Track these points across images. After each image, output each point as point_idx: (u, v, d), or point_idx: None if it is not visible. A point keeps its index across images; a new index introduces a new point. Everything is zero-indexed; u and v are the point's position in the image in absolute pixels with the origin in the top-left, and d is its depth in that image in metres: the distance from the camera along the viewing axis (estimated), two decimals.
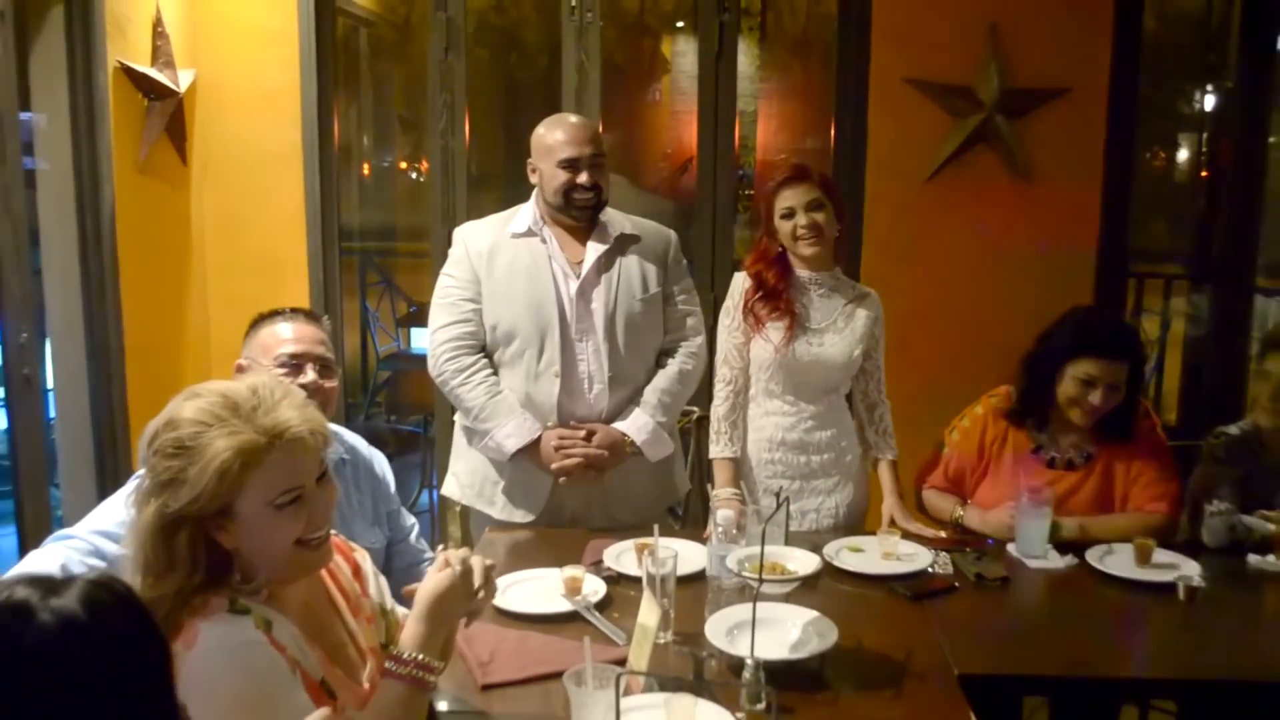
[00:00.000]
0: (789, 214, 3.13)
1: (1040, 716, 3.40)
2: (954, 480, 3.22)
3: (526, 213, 3.18)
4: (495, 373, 3.15)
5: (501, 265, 3.14)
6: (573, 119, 3.21)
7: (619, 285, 3.13)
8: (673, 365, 3.20)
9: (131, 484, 2.40)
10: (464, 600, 1.83)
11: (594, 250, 3.13)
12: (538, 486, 3.14)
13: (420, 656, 1.79)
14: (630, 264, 3.17)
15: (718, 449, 3.23)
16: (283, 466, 1.70)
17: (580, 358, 3.12)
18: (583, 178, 3.07)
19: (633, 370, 3.16)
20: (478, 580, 1.84)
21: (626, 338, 3.13)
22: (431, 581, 1.83)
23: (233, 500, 1.67)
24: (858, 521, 3.24)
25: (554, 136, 3.11)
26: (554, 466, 3.06)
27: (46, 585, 1.22)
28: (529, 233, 3.15)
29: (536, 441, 3.08)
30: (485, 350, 3.17)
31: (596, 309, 3.11)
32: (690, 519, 3.39)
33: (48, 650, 1.18)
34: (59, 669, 1.18)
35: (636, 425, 3.12)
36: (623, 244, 3.17)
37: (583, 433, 3.09)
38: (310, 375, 2.64)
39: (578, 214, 3.12)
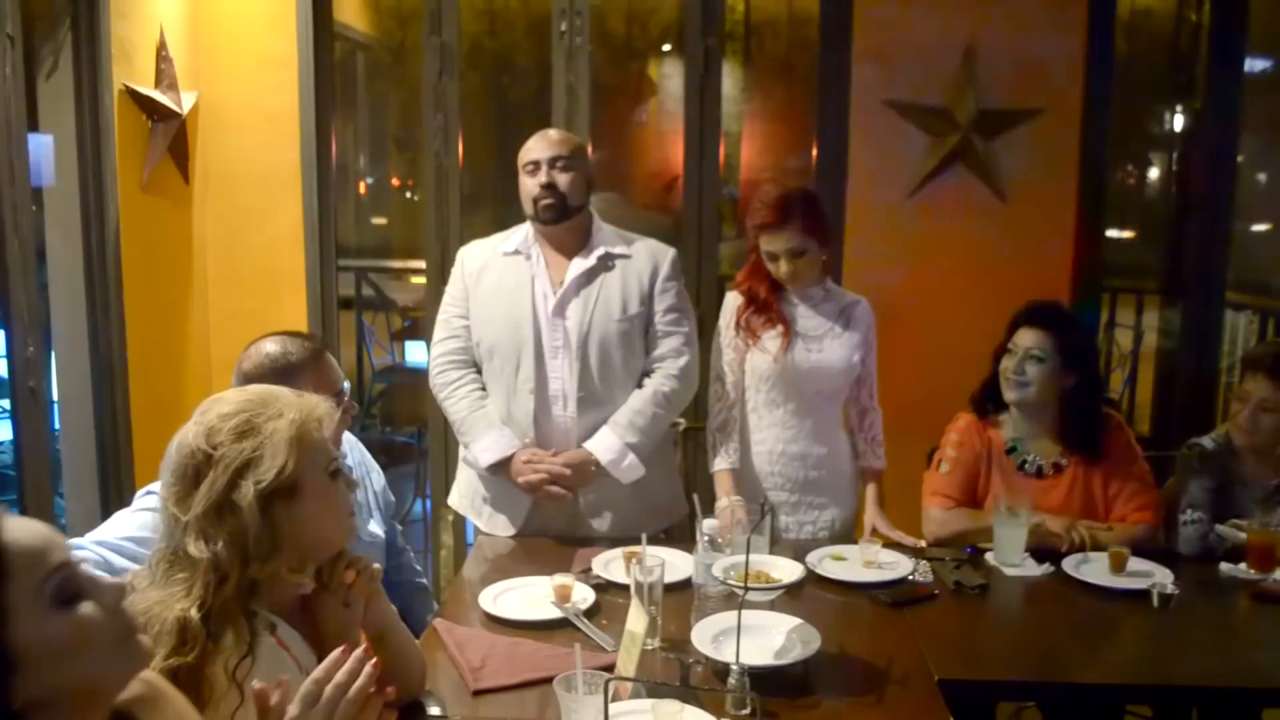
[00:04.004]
0: (772, 257, 3.12)
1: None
2: (965, 493, 3.14)
3: (519, 232, 3.18)
4: (483, 388, 3.14)
5: (488, 284, 3.14)
6: (551, 131, 3.18)
7: (596, 305, 3.08)
8: (648, 386, 3.12)
9: (137, 501, 2.39)
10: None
11: (575, 269, 3.09)
12: (518, 501, 3.12)
13: None
14: (613, 283, 3.11)
15: (715, 462, 3.21)
16: (324, 440, 1.77)
17: (554, 376, 3.08)
18: (540, 176, 3.03)
19: (605, 391, 3.10)
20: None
21: (599, 358, 3.08)
22: None
23: (301, 471, 1.71)
24: (850, 536, 3.22)
25: (526, 146, 3.11)
26: (520, 481, 3.04)
27: None
28: (516, 252, 3.14)
29: (511, 457, 3.07)
30: (476, 365, 3.17)
31: (571, 328, 3.07)
32: (677, 531, 3.34)
33: None
34: None
35: (603, 445, 3.05)
36: (608, 263, 3.13)
37: (553, 452, 3.07)
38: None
39: (543, 216, 3.06)
